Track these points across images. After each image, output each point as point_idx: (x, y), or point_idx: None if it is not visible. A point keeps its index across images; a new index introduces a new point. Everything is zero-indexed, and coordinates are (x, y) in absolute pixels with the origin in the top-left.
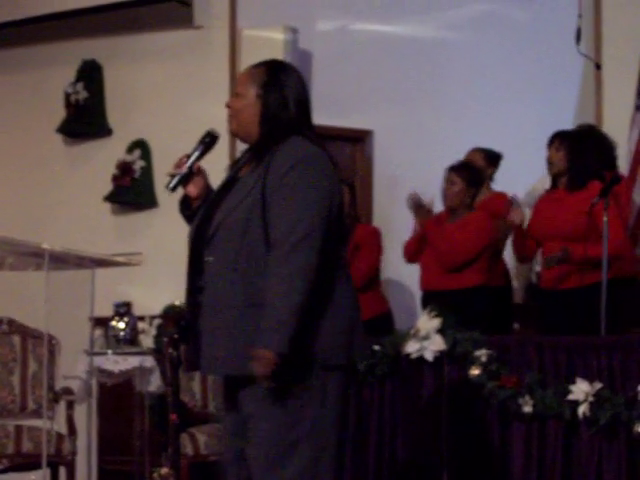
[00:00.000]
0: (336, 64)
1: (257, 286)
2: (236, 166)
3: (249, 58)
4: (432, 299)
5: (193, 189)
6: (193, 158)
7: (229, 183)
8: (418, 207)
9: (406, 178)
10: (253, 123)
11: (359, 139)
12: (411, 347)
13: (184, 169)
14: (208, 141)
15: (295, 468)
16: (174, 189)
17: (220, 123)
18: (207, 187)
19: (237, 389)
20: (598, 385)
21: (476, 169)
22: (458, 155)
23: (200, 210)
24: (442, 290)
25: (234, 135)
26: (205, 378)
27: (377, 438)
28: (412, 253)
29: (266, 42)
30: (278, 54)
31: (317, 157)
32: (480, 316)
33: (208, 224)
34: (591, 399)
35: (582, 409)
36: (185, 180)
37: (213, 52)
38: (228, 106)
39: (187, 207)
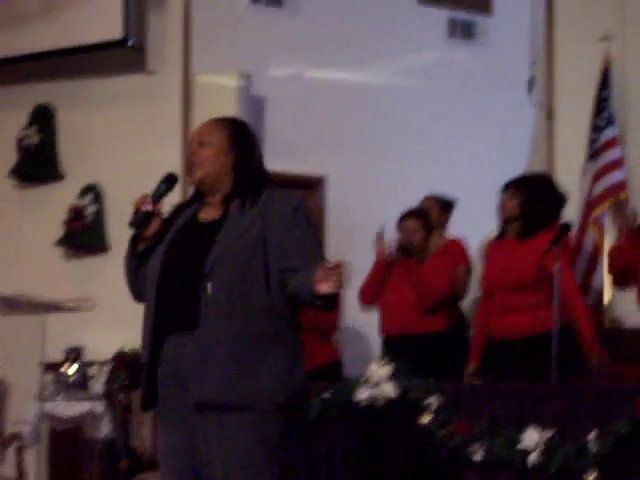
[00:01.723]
0: (289, 110)
1: (257, 316)
2: (186, 211)
3: (202, 104)
4: (395, 344)
5: (150, 229)
6: (157, 198)
7: (191, 226)
8: (382, 247)
9: (360, 224)
10: (225, 172)
11: (312, 185)
12: (362, 394)
13: (149, 207)
14: (169, 183)
15: None
16: (138, 225)
17: (173, 168)
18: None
19: (214, 416)
20: (549, 433)
21: (430, 215)
22: (411, 201)
23: (158, 251)
24: (408, 334)
25: (197, 183)
26: (156, 423)
27: None
28: (371, 294)
29: (219, 88)
30: (231, 100)
31: (306, 202)
32: (444, 360)
33: (198, 262)
34: (542, 447)
35: (533, 457)
36: (148, 219)
37: (166, 97)
38: (192, 154)
39: (134, 246)
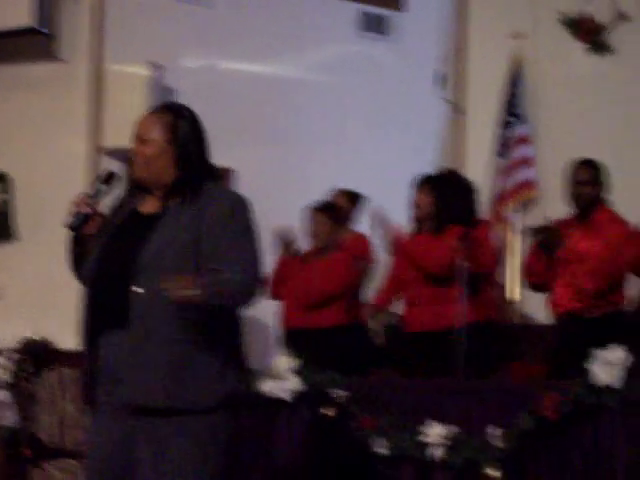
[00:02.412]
0: (200, 101)
1: (193, 321)
2: (129, 203)
3: (113, 93)
4: (293, 337)
5: (91, 229)
6: (96, 199)
7: (132, 218)
8: (286, 242)
9: (267, 217)
10: (167, 167)
11: (219, 177)
12: (268, 387)
13: (88, 209)
14: (109, 183)
15: None
16: (76, 228)
17: (82, 158)
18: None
19: (147, 420)
20: (453, 428)
21: (340, 209)
22: (320, 195)
23: (98, 244)
24: (303, 328)
25: (140, 181)
26: (63, 414)
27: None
28: (277, 288)
29: (130, 78)
30: (142, 90)
31: (247, 202)
32: (341, 355)
33: (131, 258)
34: (446, 442)
35: (437, 452)
36: (86, 221)
37: (77, 86)
38: (135, 154)
39: (77, 245)
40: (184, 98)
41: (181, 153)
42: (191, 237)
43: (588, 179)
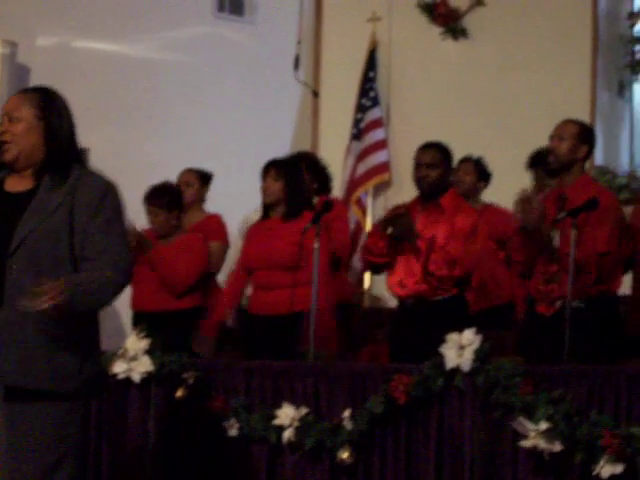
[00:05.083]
0: (55, 80)
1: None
2: None
3: None
4: (146, 320)
5: None
6: None
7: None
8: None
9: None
10: (37, 145)
11: (85, 160)
12: (118, 367)
13: None
14: None
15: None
16: None
17: None
18: None
19: (7, 402)
20: (304, 410)
21: (173, 191)
22: (174, 176)
23: None
24: (157, 311)
25: (10, 161)
26: None
27: (80, 458)
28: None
29: None
30: None
31: (116, 188)
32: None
33: (5, 235)
34: (296, 424)
35: (287, 434)
36: None
37: None
38: (3, 132)
39: None
40: (38, 77)
41: (51, 129)
42: (62, 221)
43: (432, 162)
